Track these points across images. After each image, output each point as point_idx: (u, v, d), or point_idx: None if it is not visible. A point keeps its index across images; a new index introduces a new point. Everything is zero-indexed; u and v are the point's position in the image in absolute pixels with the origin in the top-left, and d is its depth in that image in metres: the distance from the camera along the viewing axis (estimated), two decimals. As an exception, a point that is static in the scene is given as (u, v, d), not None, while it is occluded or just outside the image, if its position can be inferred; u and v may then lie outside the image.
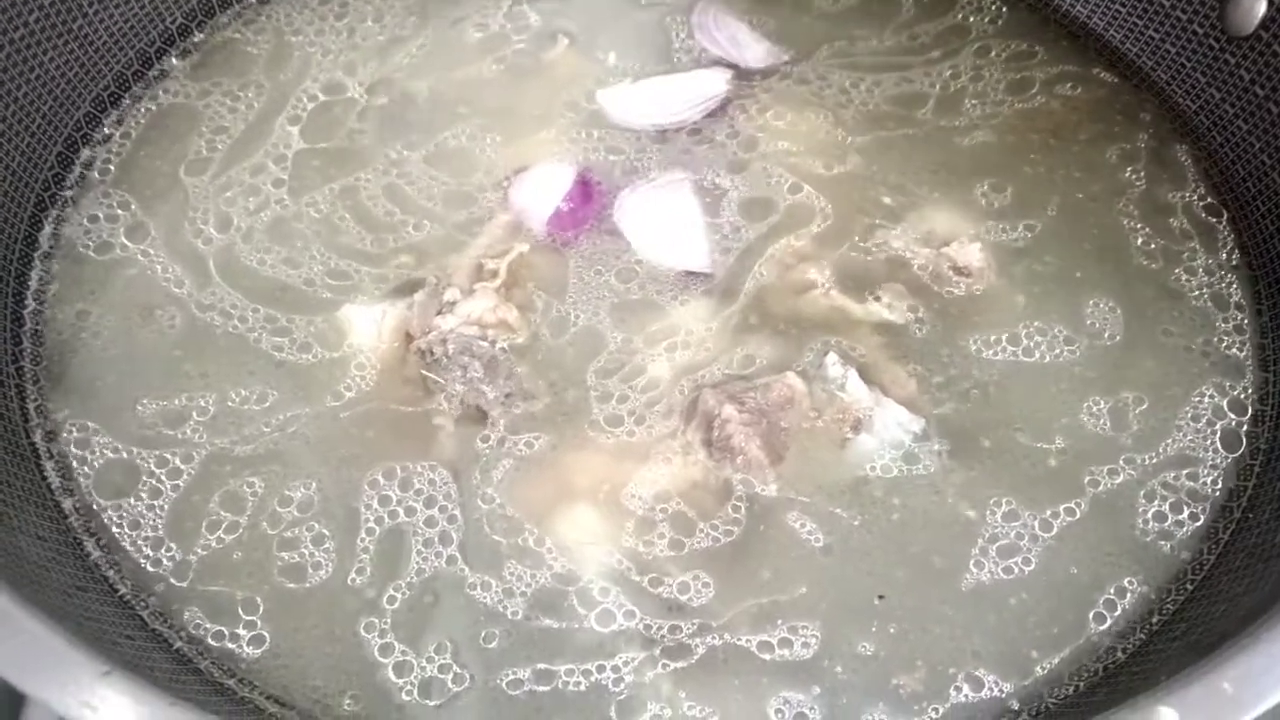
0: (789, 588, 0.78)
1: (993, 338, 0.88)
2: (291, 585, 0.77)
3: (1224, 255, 0.94)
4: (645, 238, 0.92)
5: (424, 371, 0.84)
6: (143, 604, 0.77)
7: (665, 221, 0.92)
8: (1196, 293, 0.92)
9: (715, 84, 1.00)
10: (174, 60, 1.01)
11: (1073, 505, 0.82)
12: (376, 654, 0.75)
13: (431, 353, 0.85)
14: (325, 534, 0.79)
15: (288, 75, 1.01)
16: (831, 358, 0.85)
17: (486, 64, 1.03)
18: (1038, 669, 0.77)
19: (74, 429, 0.83)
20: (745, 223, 0.93)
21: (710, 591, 0.78)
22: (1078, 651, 0.78)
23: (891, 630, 0.77)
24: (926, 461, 0.83)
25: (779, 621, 0.77)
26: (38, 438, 0.82)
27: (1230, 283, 0.92)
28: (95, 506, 0.80)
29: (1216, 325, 0.90)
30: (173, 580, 0.77)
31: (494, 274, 0.88)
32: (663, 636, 0.76)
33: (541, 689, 0.75)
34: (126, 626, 0.73)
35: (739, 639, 0.76)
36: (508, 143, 0.97)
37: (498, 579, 0.78)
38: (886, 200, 0.95)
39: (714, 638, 0.76)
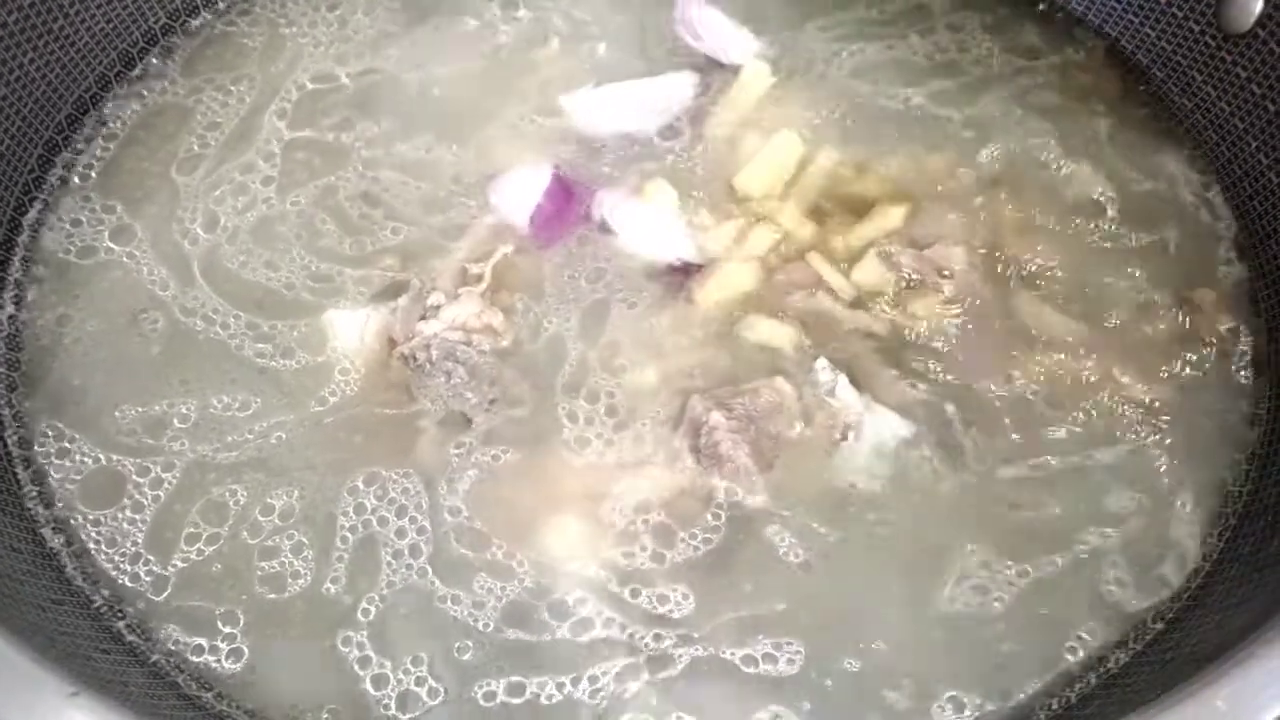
0: (773, 600, 0.77)
1: (984, 339, 0.87)
2: (271, 596, 0.76)
3: (1220, 253, 0.93)
4: (632, 232, 0.90)
5: (409, 373, 0.83)
6: (119, 617, 0.76)
7: (649, 218, 0.91)
8: (1194, 294, 0.90)
9: (681, 88, 0.98)
10: (154, 60, 1.00)
11: (1053, 539, 0.80)
12: (355, 667, 0.74)
13: (415, 358, 0.83)
14: (304, 542, 0.78)
15: (279, 68, 1.00)
16: (821, 363, 0.84)
17: (475, 60, 1.01)
18: (1028, 685, 0.76)
19: (51, 435, 0.82)
20: (727, 221, 0.91)
21: (691, 604, 0.77)
22: (1069, 665, 0.76)
23: (875, 646, 0.76)
24: (916, 470, 0.81)
25: (761, 636, 0.76)
26: (12, 444, 0.81)
27: (1227, 282, 0.91)
28: (72, 517, 0.79)
29: (1215, 328, 0.89)
30: (150, 594, 0.76)
31: (478, 278, 0.87)
32: (646, 646, 0.75)
33: (515, 701, 0.74)
34: (101, 641, 0.72)
35: (723, 651, 0.75)
36: (491, 142, 0.96)
37: (467, 591, 0.77)
38: (872, 197, 0.93)
39: (698, 649, 0.75)
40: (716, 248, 0.90)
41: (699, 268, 0.89)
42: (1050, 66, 1.03)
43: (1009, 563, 0.79)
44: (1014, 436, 0.83)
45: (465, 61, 1.01)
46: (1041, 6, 1.06)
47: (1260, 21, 0.91)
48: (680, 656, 0.75)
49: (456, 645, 0.75)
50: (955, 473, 0.81)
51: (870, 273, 0.89)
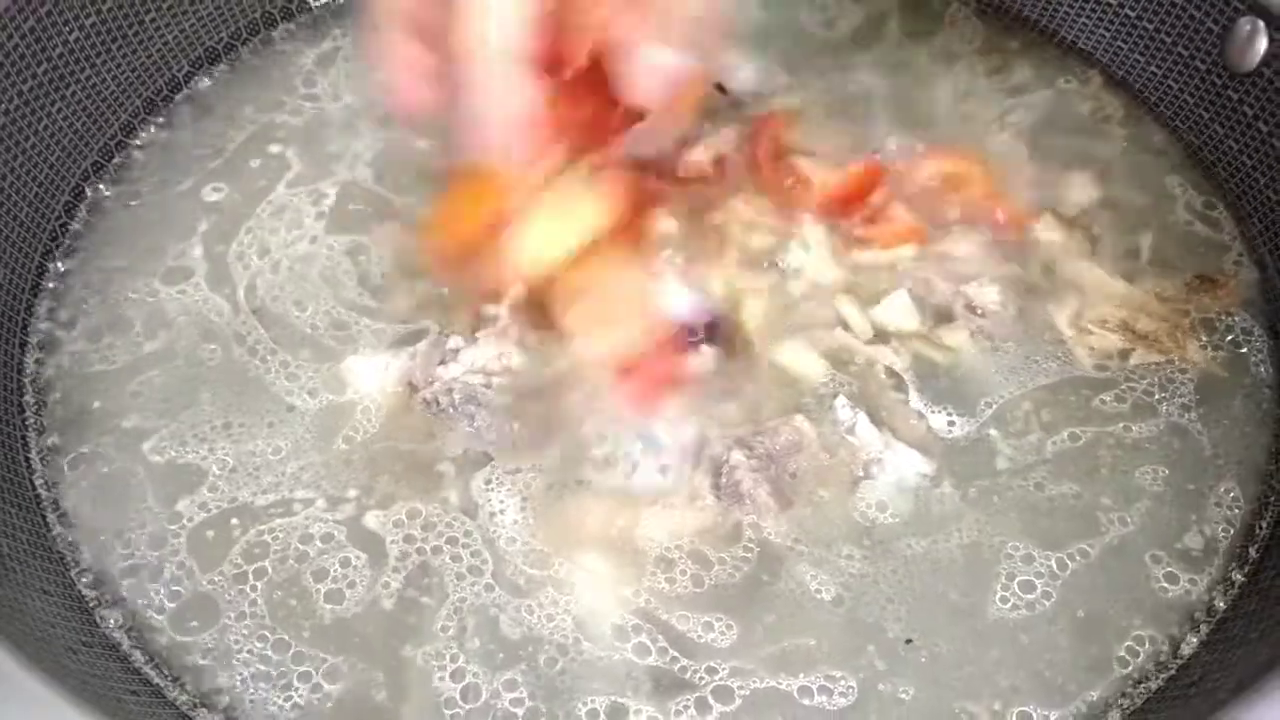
0: (813, 633, 0.77)
1: (1005, 378, 0.88)
2: (331, 622, 0.76)
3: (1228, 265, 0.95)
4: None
5: (431, 417, 0.84)
6: (147, 658, 0.75)
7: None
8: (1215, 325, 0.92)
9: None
10: (177, 104, 1.02)
11: (1088, 545, 0.81)
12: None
13: (437, 403, 0.84)
14: (356, 569, 0.78)
15: (319, 105, 1.02)
16: (840, 400, 0.85)
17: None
18: (1090, 690, 0.76)
19: (82, 481, 0.82)
20: (752, 254, 0.93)
21: (734, 635, 0.76)
22: (1129, 669, 0.77)
23: (925, 669, 0.76)
24: (940, 504, 0.82)
25: (811, 668, 0.76)
26: (41, 488, 0.82)
27: (1241, 318, 0.92)
28: (104, 564, 0.79)
29: (1241, 340, 0.90)
30: (177, 634, 0.76)
31: (495, 319, 0.88)
32: (700, 680, 0.75)
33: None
34: (131, 683, 0.72)
35: (779, 683, 0.75)
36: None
37: (521, 620, 0.77)
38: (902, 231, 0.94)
39: (756, 681, 0.75)
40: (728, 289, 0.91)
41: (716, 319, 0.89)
42: (1060, 100, 1.05)
43: (1049, 553, 0.80)
44: (1040, 468, 0.84)
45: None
46: (1051, 46, 1.09)
47: (1265, 60, 0.93)
48: (739, 688, 0.75)
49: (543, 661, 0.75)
50: (981, 508, 0.82)
51: (899, 308, 0.90)
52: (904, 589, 0.79)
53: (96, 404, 0.85)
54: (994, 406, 0.86)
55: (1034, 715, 0.75)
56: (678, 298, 0.89)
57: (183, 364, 0.87)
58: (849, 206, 0.95)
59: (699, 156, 0.96)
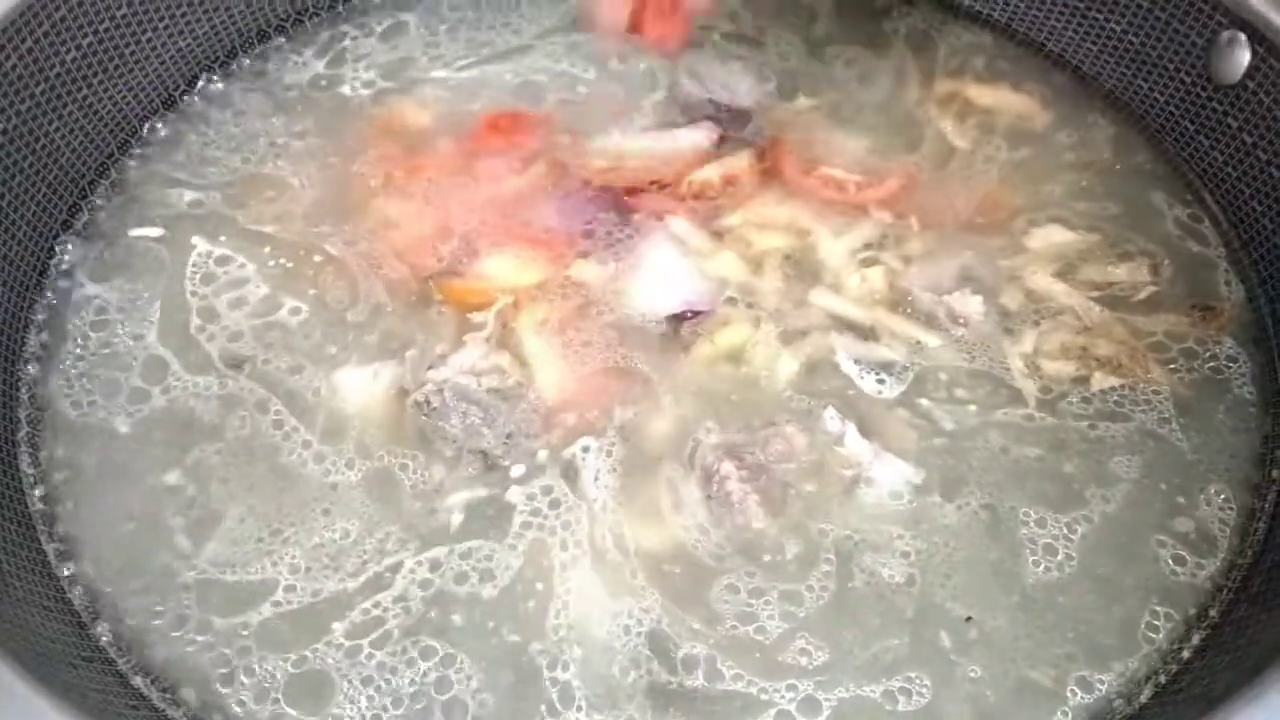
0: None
1: (995, 390, 0.89)
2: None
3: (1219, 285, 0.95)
4: (639, 283, 0.93)
5: (423, 419, 0.84)
6: (143, 674, 0.75)
7: (658, 264, 0.94)
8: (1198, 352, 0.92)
9: (698, 139, 1.01)
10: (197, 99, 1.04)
11: (1091, 513, 0.83)
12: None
13: (429, 403, 0.85)
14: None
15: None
16: (830, 412, 0.86)
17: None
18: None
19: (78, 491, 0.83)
20: (747, 261, 0.94)
21: (824, 655, 0.77)
22: (1156, 639, 0.79)
23: (986, 646, 0.77)
24: (926, 514, 0.83)
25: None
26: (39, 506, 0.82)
27: (1229, 345, 0.92)
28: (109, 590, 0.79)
29: (1224, 367, 0.91)
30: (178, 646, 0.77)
31: (481, 326, 0.90)
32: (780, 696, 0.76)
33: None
34: (129, 697, 0.73)
35: (863, 689, 0.76)
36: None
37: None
38: (895, 239, 0.96)
39: (842, 690, 0.76)
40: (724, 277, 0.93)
41: (702, 313, 0.91)
42: (1046, 114, 1.06)
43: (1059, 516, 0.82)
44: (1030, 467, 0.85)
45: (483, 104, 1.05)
46: (1039, 59, 1.10)
47: (1249, 73, 0.94)
48: (825, 700, 0.76)
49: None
50: (976, 515, 0.83)
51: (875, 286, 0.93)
52: (911, 580, 0.80)
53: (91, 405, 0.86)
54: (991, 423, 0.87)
55: (1093, 682, 0.76)
56: (688, 280, 0.92)
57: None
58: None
59: (708, 175, 0.98)
